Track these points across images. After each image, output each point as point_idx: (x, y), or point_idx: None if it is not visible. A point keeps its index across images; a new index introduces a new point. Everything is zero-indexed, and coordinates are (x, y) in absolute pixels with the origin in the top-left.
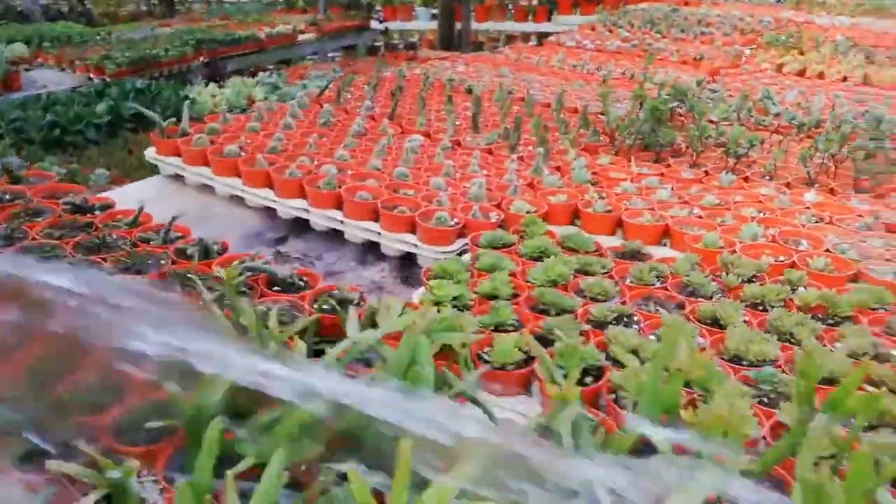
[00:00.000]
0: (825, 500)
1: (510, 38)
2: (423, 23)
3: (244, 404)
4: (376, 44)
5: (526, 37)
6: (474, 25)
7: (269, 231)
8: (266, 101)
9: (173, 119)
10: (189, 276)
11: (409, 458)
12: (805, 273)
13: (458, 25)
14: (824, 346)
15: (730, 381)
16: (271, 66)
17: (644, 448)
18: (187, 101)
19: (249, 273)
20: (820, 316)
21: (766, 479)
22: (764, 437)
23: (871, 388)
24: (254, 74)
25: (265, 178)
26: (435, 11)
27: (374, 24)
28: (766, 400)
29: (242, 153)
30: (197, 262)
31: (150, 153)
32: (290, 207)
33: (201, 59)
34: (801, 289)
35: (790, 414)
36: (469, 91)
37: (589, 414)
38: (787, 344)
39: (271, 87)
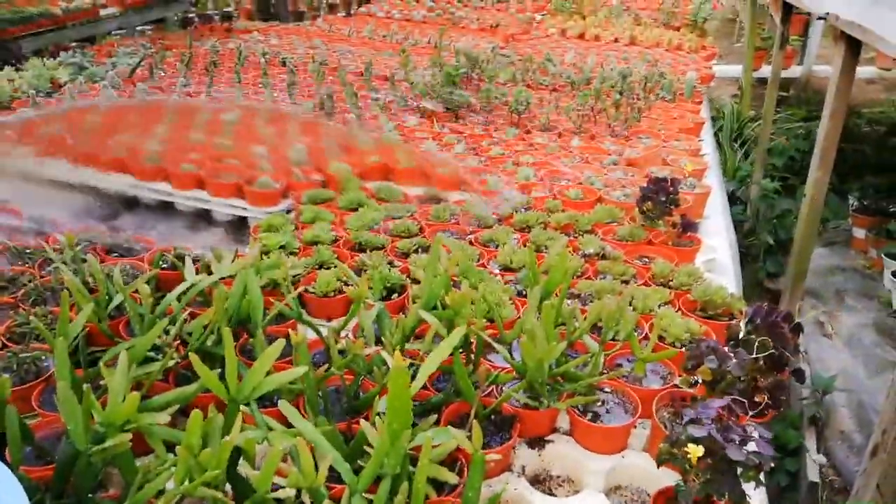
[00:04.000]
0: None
1: (332, 7)
2: None
3: None
4: (189, 15)
5: (347, 2)
6: None
7: (99, 209)
8: (74, 82)
9: None
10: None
11: None
12: (560, 202)
13: None
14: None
15: (495, 280)
16: (73, 45)
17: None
18: None
19: (87, 242)
20: (570, 232)
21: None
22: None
23: (598, 279)
24: (54, 55)
25: (85, 156)
26: None
27: None
28: (524, 293)
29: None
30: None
31: None
32: (115, 183)
33: None
34: (557, 213)
35: (530, 297)
36: (283, 63)
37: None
38: (541, 254)
39: (76, 68)
